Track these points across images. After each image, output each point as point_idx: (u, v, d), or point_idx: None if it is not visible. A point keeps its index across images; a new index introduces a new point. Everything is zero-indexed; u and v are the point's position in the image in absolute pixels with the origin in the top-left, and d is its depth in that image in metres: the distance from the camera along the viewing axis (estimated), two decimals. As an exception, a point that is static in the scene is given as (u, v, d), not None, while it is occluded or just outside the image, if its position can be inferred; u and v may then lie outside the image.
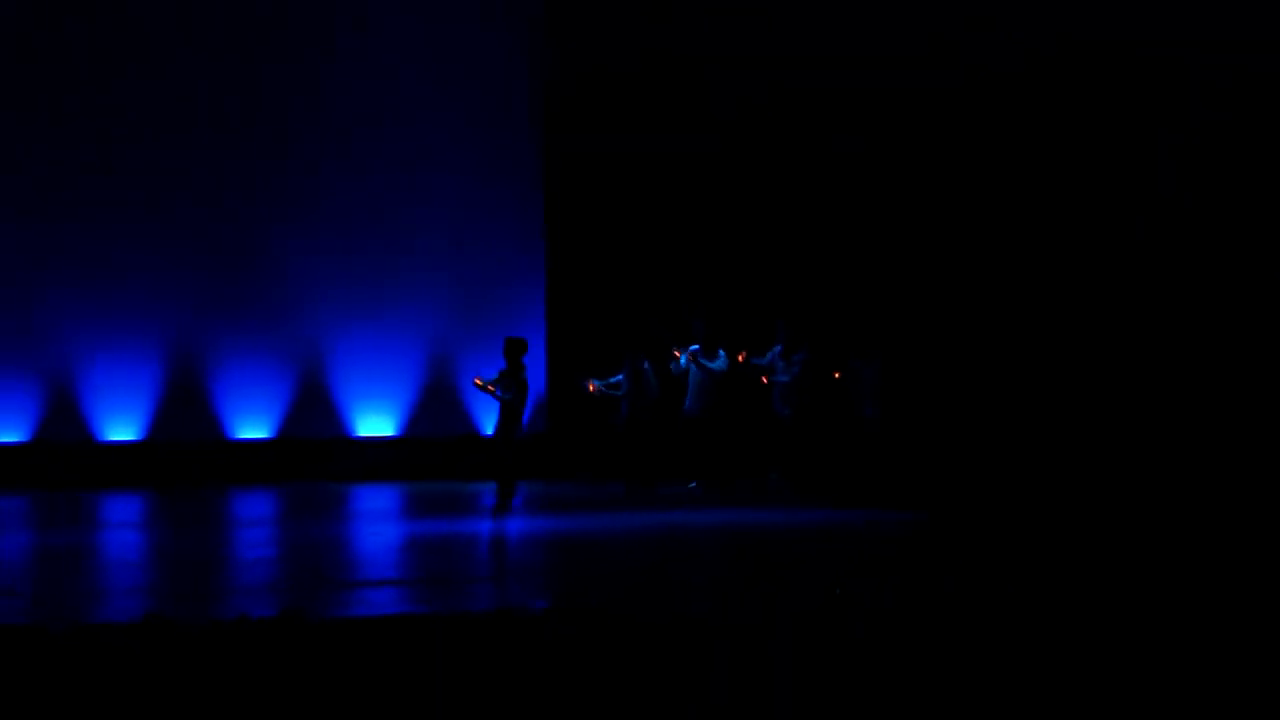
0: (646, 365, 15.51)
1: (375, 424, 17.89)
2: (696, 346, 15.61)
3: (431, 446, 17.44)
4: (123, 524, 14.11)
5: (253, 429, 17.82)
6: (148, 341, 17.62)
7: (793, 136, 18.16)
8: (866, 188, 18.13)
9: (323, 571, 10.40)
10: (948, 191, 18.26)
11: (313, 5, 17.96)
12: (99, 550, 12.18)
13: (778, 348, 15.95)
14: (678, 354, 15.65)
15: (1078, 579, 8.93)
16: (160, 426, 17.61)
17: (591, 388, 15.57)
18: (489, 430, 17.11)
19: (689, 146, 17.89)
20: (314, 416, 17.89)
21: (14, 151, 17.30)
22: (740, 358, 15.76)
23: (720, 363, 15.56)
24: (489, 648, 6.65)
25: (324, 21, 17.96)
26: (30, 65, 17.33)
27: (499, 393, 13.80)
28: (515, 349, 13.96)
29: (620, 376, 15.61)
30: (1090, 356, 17.69)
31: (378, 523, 13.99)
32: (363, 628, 7.30)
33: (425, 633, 6.88)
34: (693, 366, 15.51)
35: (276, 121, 17.85)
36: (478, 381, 14.11)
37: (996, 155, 18.22)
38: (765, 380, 15.93)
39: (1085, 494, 14.48)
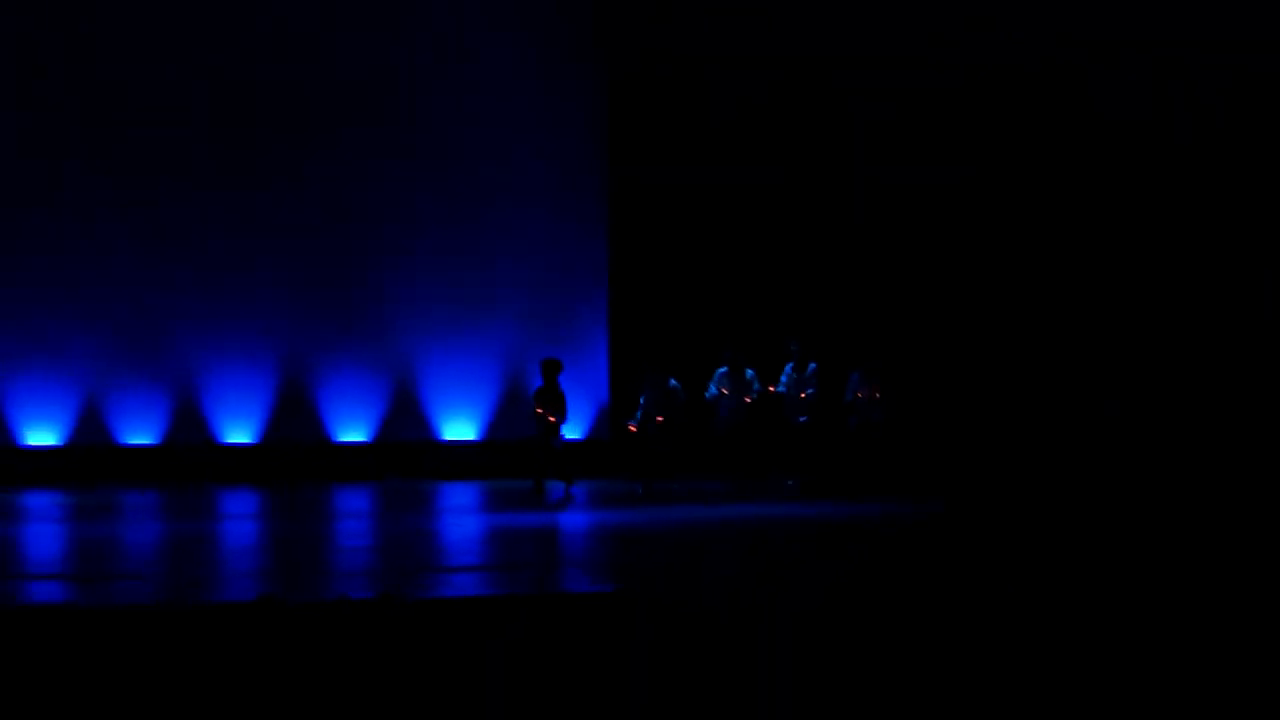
0: (674, 383, 15.27)
1: (460, 429, 17.83)
2: (725, 369, 15.39)
3: (508, 449, 17.37)
4: (239, 516, 14.17)
5: (353, 433, 17.84)
6: (262, 356, 17.62)
7: (812, 165, 17.85)
8: (875, 204, 17.81)
9: (414, 558, 10.42)
10: (952, 201, 17.75)
11: (412, 64, 17.91)
12: (219, 539, 12.27)
13: (788, 366, 15.68)
14: (725, 392, 15.38)
15: (1078, 579, 8.62)
16: (273, 430, 17.60)
17: (632, 428, 15.35)
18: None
19: (732, 178, 17.77)
20: (406, 422, 17.82)
21: (152, 188, 17.34)
22: (771, 389, 15.58)
23: (756, 388, 15.40)
24: (559, 625, 6.63)
25: (421, 77, 17.93)
26: (156, 108, 17.39)
27: (554, 417, 14.00)
28: (552, 369, 14.25)
29: (642, 401, 15.44)
30: (1083, 361, 17.10)
31: (462, 516, 13.96)
32: (449, 607, 7.31)
33: (504, 612, 6.88)
34: (723, 387, 15.28)
35: (376, 163, 17.86)
36: (539, 411, 14.30)
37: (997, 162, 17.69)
38: (804, 395, 15.64)
39: (1083, 495, 14.13)
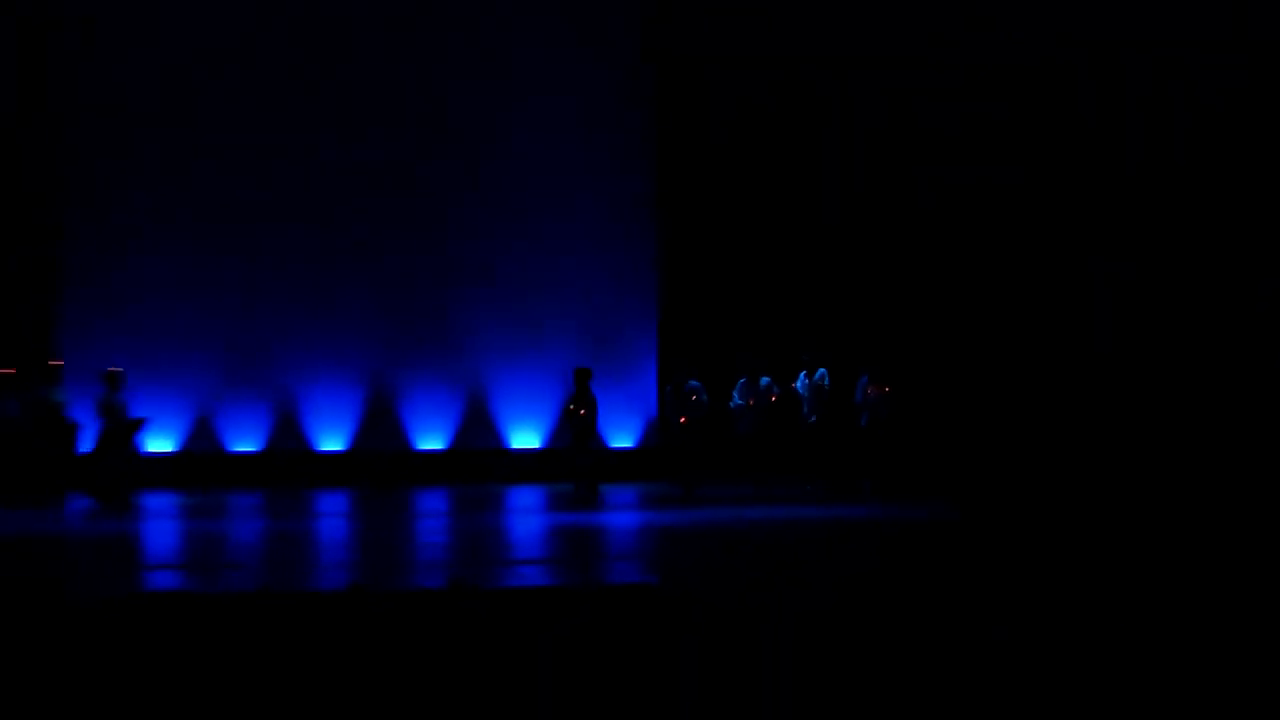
0: (694, 383, 15.21)
1: (525, 438, 17.93)
2: (745, 379, 15.35)
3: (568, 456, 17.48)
4: (332, 515, 14.22)
5: (431, 442, 17.96)
6: (352, 374, 17.78)
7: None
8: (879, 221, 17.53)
9: (484, 552, 10.45)
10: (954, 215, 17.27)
11: (485, 123, 18.04)
12: (314, 535, 12.29)
13: (801, 375, 15.62)
14: (751, 403, 15.31)
15: (1082, 582, 8.19)
16: (361, 439, 17.77)
17: (684, 420, 15.36)
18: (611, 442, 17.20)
19: (761, 208, 17.73)
20: (478, 432, 17.91)
21: (256, 230, 17.64)
22: (792, 385, 15.53)
23: (777, 390, 15.35)
24: (615, 611, 6.64)
25: (492, 134, 18.07)
26: (260, 164, 17.66)
27: (584, 410, 14.15)
28: (583, 376, 14.28)
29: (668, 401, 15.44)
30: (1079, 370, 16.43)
31: (527, 515, 13.98)
32: (515, 596, 7.36)
33: (565, 600, 6.91)
34: (746, 396, 15.25)
35: (450, 206, 18.01)
36: (571, 407, 14.39)
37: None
38: (824, 386, 15.51)
39: (1078, 497, 13.75)
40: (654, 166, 18.14)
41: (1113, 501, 13.31)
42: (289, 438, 17.61)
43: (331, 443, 17.72)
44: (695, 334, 17.68)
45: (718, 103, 17.92)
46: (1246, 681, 5.64)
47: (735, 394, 15.37)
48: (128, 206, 17.48)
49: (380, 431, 17.74)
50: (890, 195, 17.68)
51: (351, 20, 17.91)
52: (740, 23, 17.69)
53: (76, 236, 17.41)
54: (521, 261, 18.00)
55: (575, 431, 14.42)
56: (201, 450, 17.32)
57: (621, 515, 13.33)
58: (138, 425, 14.66)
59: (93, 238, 17.42)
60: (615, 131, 18.14)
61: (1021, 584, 8.02)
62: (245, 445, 17.57)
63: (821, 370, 15.42)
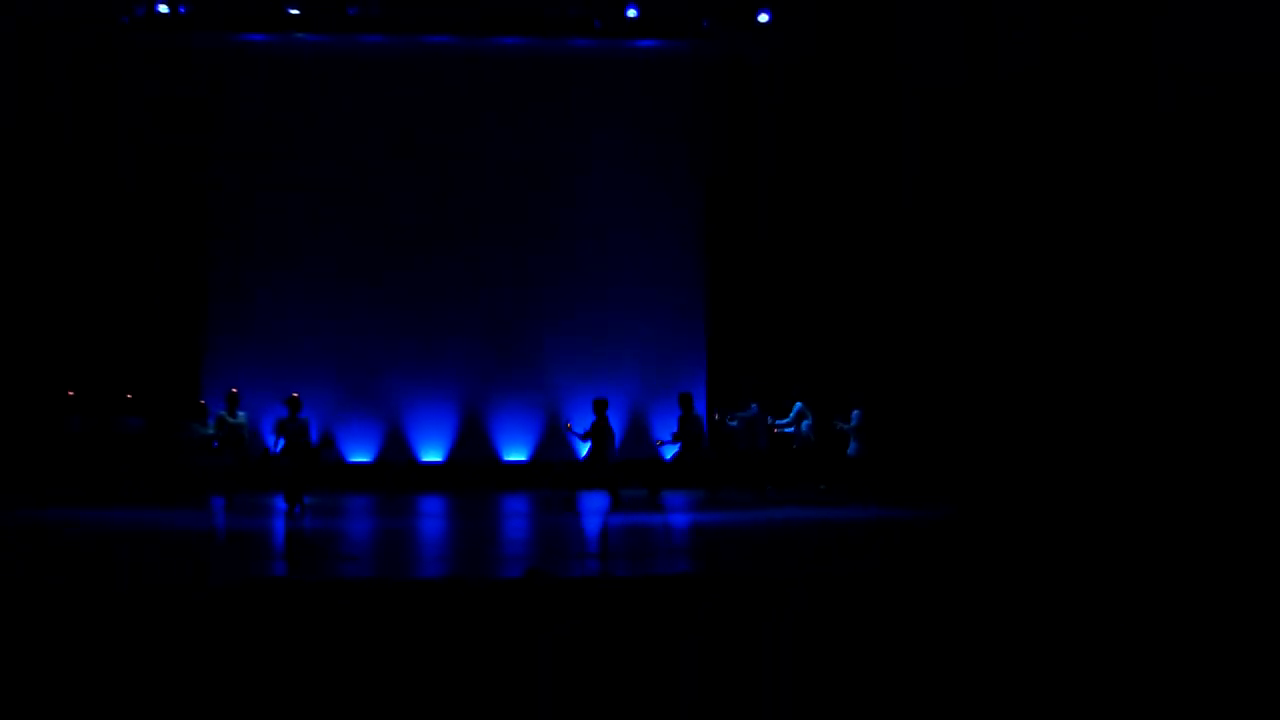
0: (699, 411, 15.36)
1: (595, 451, 18.12)
2: (754, 409, 15.60)
3: (629, 466, 17.51)
4: (431, 516, 14.25)
5: (516, 454, 18.15)
6: (449, 395, 18.06)
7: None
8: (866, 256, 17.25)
9: (556, 546, 10.51)
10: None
11: (565, 188, 18.36)
12: (415, 533, 12.36)
13: (798, 405, 15.75)
14: (733, 413, 15.55)
15: (1083, 582, 7.40)
16: (456, 451, 18.02)
17: (675, 437, 15.46)
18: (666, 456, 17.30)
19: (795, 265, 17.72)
20: (555, 446, 18.13)
21: (368, 273, 18.08)
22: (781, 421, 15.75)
23: (757, 412, 15.57)
24: (661, 596, 6.71)
25: (570, 197, 18.39)
26: (368, 216, 18.07)
27: (579, 432, 14.35)
28: (601, 406, 14.38)
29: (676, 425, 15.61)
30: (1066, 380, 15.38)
31: (594, 516, 14.07)
32: (584, 585, 7.48)
33: (624, 588, 7.00)
34: (745, 419, 15.45)
35: (535, 254, 18.33)
36: (569, 425, 14.52)
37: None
38: (797, 430, 15.69)
39: (1089, 498, 13.29)
40: (703, 234, 18.28)
41: (1113, 500, 12.85)
42: (396, 450, 17.90)
43: (432, 454, 17.96)
44: (735, 371, 17.73)
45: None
46: (1247, 680, 5.21)
47: (729, 420, 15.70)
48: (263, 256, 18.04)
49: (473, 445, 17.98)
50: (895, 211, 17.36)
51: (457, 103, 18.34)
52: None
53: (221, 284, 17.96)
54: (596, 302, 18.24)
55: (592, 449, 14.64)
56: (324, 461, 17.63)
57: (641, 516, 13.40)
58: (323, 446, 15.01)
59: (234, 284, 17.96)
60: (673, 205, 18.42)
61: (1021, 583, 7.51)
62: (360, 456, 17.85)
63: (798, 404, 15.67)
